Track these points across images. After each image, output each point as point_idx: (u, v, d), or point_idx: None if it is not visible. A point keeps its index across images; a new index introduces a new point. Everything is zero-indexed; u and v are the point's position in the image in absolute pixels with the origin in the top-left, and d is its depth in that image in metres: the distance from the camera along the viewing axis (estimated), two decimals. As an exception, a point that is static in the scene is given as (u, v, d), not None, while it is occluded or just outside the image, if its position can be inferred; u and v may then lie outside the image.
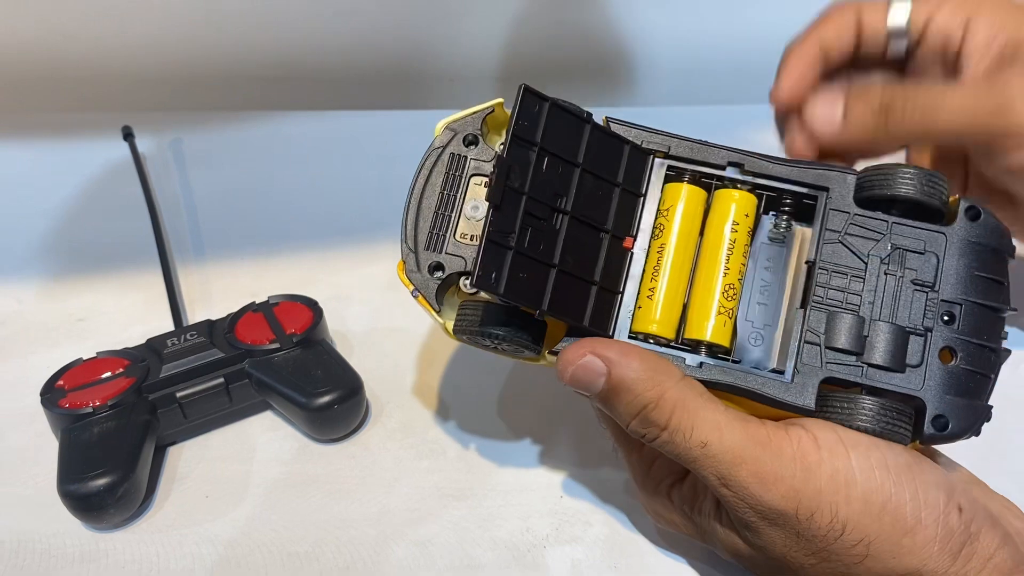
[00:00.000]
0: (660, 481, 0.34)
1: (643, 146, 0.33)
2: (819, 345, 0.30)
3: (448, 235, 0.31)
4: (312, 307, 0.43)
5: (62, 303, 0.48)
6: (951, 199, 0.31)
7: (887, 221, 0.31)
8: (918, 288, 0.31)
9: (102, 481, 0.35)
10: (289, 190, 0.57)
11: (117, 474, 0.35)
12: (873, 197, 0.31)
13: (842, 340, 0.30)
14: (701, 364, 0.31)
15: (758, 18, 0.66)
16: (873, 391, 0.30)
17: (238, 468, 0.39)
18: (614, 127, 0.33)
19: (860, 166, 0.33)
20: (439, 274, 0.31)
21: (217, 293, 0.49)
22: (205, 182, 0.58)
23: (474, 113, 0.32)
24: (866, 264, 0.31)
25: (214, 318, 0.43)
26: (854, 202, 0.32)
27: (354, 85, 0.69)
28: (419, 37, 0.68)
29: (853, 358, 0.30)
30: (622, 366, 0.29)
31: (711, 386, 0.31)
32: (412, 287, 0.31)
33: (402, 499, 0.38)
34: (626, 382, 0.29)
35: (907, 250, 0.31)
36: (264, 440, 0.40)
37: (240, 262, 0.51)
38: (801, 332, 0.31)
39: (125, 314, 0.47)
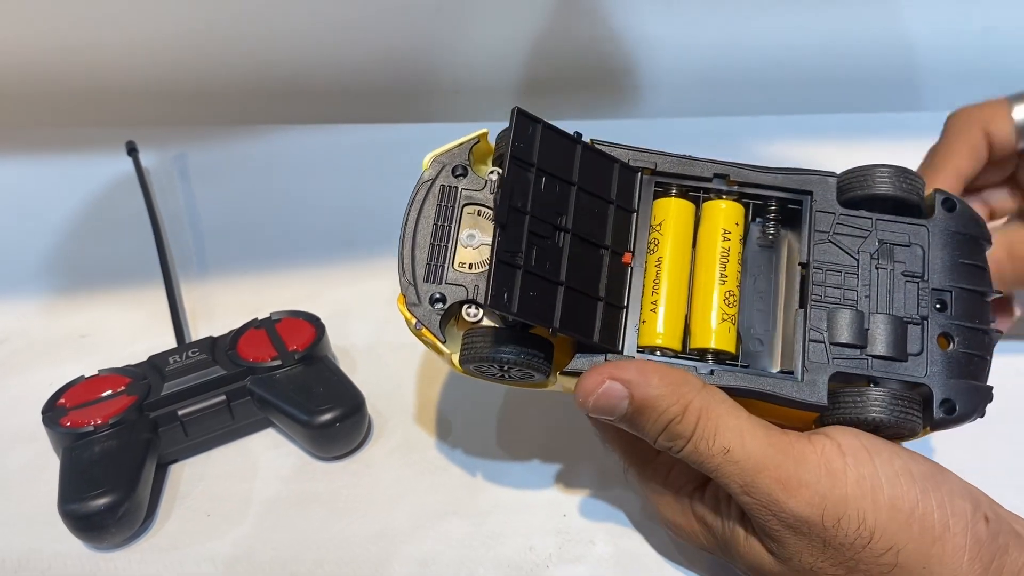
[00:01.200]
0: (679, 490, 0.33)
1: (630, 164, 0.33)
2: (823, 342, 0.31)
3: (446, 265, 0.31)
4: (314, 323, 0.43)
5: (65, 319, 0.48)
6: (927, 193, 0.33)
7: (871, 218, 0.32)
8: (908, 279, 0.32)
9: (103, 500, 0.35)
10: (292, 204, 0.57)
11: (118, 493, 0.35)
12: (855, 197, 0.33)
13: (845, 335, 0.31)
14: (712, 372, 0.31)
15: (761, 31, 0.66)
16: (880, 382, 0.30)
17: (240, 486, 0.39)
18: (600, 147, 0.33)
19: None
20: (440, 305, 0.31)
21: (220, 309, 0.49)
22: (208, 196, 0.58)
23: (460, 145, 0.33)
24: (857, 260, 0.32)
25: (216, 334, 0.43)
26: (838, 203, 0.33)
27: (357, 98, 0.69)
28: (422, 50, 0.68)
29: (857, 351, 0.31)
30: (643, 386, 0.29)
31: (726, 391, 0.31)
32: (415, 320, 0.31)
33: (404, 517, 0.37)
34: (649, 401, 0.29)
35: (894, 244, 0.32)
36: (266, 458, 0.40)
37: (243, 277, 0.51)
38: (805, 331, 0.31)
39: (128, 330, 0.47)
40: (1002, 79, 0.68)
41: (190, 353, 0.41)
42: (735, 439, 0.29)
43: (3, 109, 0.68)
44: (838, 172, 0.33)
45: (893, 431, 0.30)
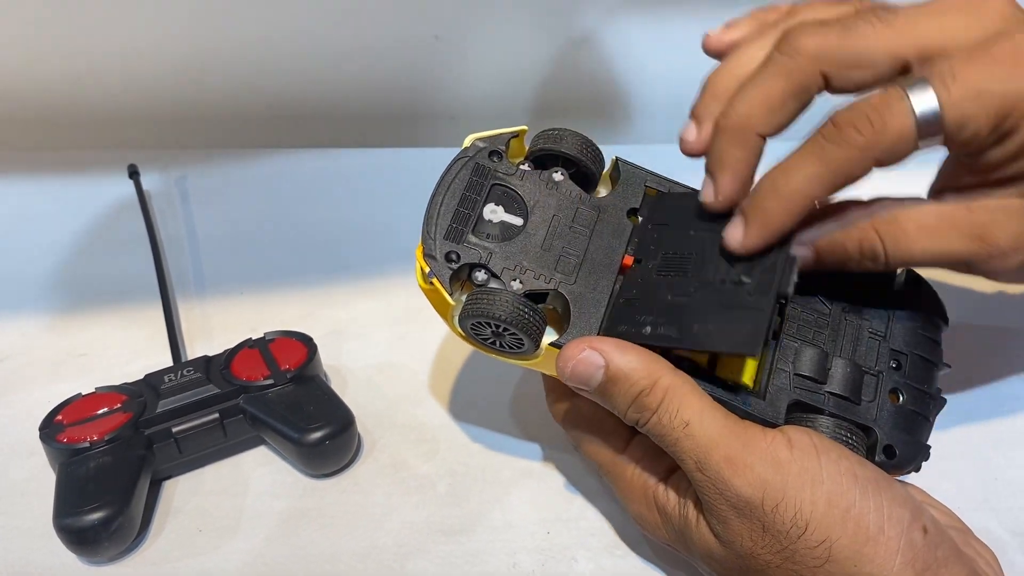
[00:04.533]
0: (644, 483, 0.34)
1: (647, 185, 0.37)
2: (788, 372, 0.33)
3: (466, 230, 0.34)
4: (307, 343, 0.44)
5: (65, 338, 0.49)
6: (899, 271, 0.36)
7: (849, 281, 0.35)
8: (872, 336, 0.35)
9: (97, 515, 0.36)
10: (289, 227, 0.58)
11: (112, 508, 0.36)
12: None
13: (807, 368, 0.33)
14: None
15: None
16: (833, 416, 0.32)
17: (231, 502, 0.40)
18: (623, 166, 0.37)
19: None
20: (454, 263, 0.33)
21: (216, 328, 0.50)
22: (207, 219, 0.59)
23: (501, 134, 0.37)
24: (830, 310, 0.35)
25: (212, 353, 0.44)
26: None
27: (354, 124, 0.71)
28: (419, 78, 0.69)
29: (817, 385, 0.33)
30: (619, 358, 0.31)
31: None
32: (428, 270, 0.33)
33: (392, 534, 0.38)
34: (623, 371, 0.31)
35: (864, 305, 0.35)
36: (257, 475, 0.41)
37: (239, 298, 0.52)
38: (773, 359, 0.33)
39: (126, 349, 0.48)
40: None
41: (185, 372, 0.42)
42: (695, 416, 0.30)
43: (10, 133, 0.69)
44: None
45: None
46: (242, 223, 0.58)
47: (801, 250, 0.33)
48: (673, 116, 0.71)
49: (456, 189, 0.35)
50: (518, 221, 0.35)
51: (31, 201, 0.61)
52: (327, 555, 0.37)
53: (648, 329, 0.32)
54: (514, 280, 0.33)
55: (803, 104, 0.33)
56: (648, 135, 0.72)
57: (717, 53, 0.37)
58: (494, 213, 0.35)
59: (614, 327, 0.33)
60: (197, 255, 0.56)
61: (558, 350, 0.33)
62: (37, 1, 0.62)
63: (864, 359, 0.34)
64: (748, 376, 0.33)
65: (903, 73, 0.31)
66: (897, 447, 0.32)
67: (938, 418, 0.34)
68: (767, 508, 0.29)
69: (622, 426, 0.36)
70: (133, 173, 0.59)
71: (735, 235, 0.32)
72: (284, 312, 0.51)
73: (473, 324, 0.33)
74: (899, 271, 0.36)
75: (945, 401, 0.35)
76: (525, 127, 0.37)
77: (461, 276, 0.34)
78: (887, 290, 0.36)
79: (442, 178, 0.35)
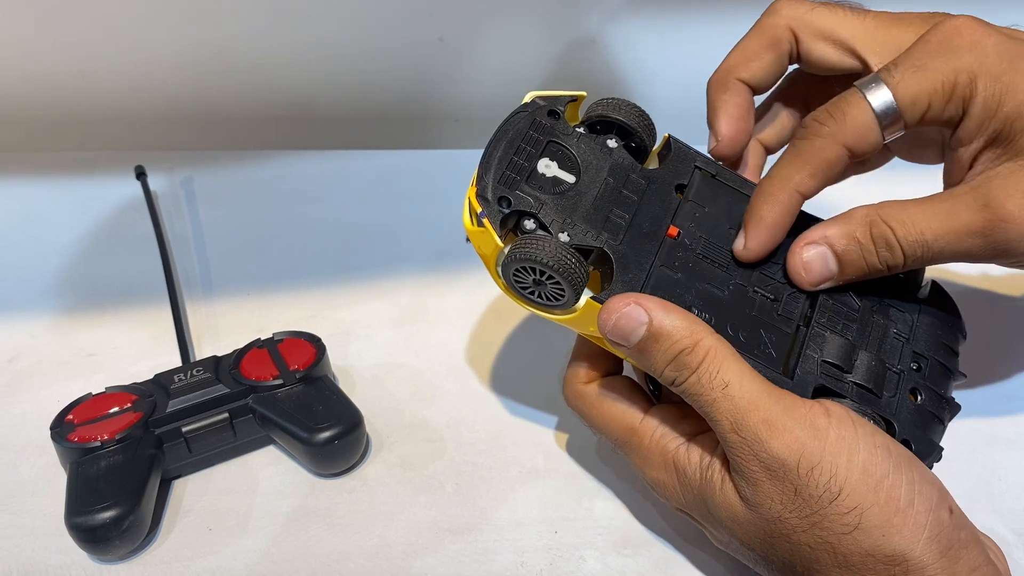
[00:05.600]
0: (664, 447, 0.35)
1: (696, 165, 0.37)
2: (816, 358, 0.34)
3: (520, 179, 0.34)
4: (315, 343, 0.44)
5: (74, 338, 0.50)
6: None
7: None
8: (896, 337, 0.35)
9: (108, 514, 0.36)
10: (296, 227, 0.58)
11: (123, 507, 0.36)
12: None
13: (835, 356, 0.34)
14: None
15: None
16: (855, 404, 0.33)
17: (241, 502, 0.40)
18: (674, 144, 0.37)
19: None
20: (505, 207, 0.33)
21: (224, 328, 0.50)
22: (215, 220, 0.59)
23: (561, 95, 0.37)
24: (859, 305, 0.36)
25: (220, 354, 0.44)
26: None
27: (360, 126, 0.71)
28: (425, 79, 0.69)
29: (842, 374, 0.34)
30: (663, 316, 0.32)
31: None
32: (480, 210, 0.33)
33: (400, 533, 0.38)
34: (666, 328, 0.31)
35: (892, 307, 0.36)
36: (266, 474, 0.41)
37: (247, 298, 0.52)
38: (804, 344, 0.34)
39: (135, 349, 0.49)
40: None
41: (194, 372, 0.42)
42: (735, 378, 0.31)
43: (18, 134, 0.69)
44: None
45: None
46: (249, 224, 0.59)
47: (813, 249, 0.34)
48: (677, 117, 0.71)
49: (514, 139, 0.35)
50: (570, 178, 0.35)
51: (39, 202, 0.61)
52: (335, 554, 0.37)
53: (684, 304, 0.33)
54: (562, 232, 0.34)
55: (778, 57, 0.38)
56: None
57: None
58: (548, 168, 0.35)
59: (657, 293, 0.33)
60: (204, 256, 0.56)
61: (598, 304, 0.33)
62: (45, 2, 0.63)
63: (888, 356, 0.35)
64: None
65: (860, 75, 0.36)
66: (913, 442, 0.33)
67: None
68: (802, 471, 0.29)
69: (638, 400, 0.36)
70: (140, 174, 0.60)
71: (738, 246, 0.35)
72: (291, 312, 0.51)
73: (516, 270, 0.33)
74: (924, 283, 0.37)
75: (960, 408, 0.35)
76: (584, 93, 0.37)
77: (509, 223, 0.34)
78: (912, 298, 0.37)
79: (501, 126, 0.35)
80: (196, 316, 0.51)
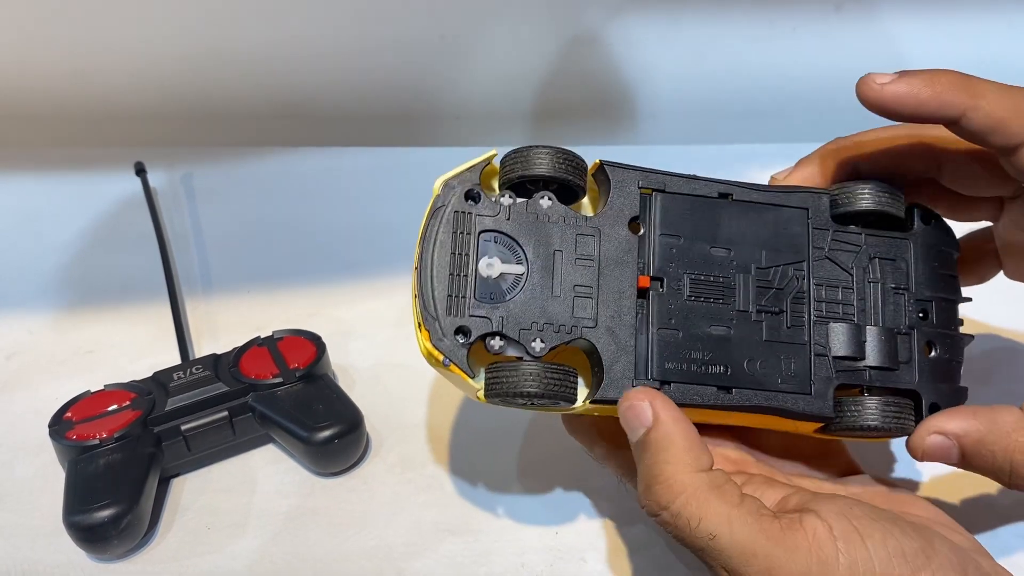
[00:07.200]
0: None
1: (640, 185, 0.34)
2: (827, 356, 0.33)
3: (468, 296, 0.31)
4: (315, 342, 0.44)
5: (72, 335, 0.49)
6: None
7: (861, 233, 0.35)
8: (896, 291, 0.34)
9: (107, 512, 0.36)
10: (296, 225, 0.58)
11: (121, 505, 0.36)
12: (845, 213, 0.34)
13: (845, 348, 0.33)
14: (731, 390, 0.32)
15: (758, 59, 0.68)
16: (877, 391, 0.33)
17: (240, 500, 0.40)
18: (610, 170, 0.33)
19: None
20: (465, 339, 0.31)
21: (224, 326, 0.50)
22: (215, 217, 0.59)
23: (471, 168, 0.33)
24: (851, 275, 0.34)
25: (220, 352, 0.44)
26: (831, 219, 0.35)
27: (360, 122, 0.71)
28: (425, 77, 0.69)
29: (856, 363, 0.33)
30: (661, 432, 0.29)
31: (743, 410, 0.32)
32: (442, 357, 0.31)
33: (400, 533, 0.38)
34: (654, 446, 0.29)
35: (883, 258, 0.34)
36: (266, 473, 0.41)
37: (247, 296, 0.52)
38: (810, 347, 0.33)
39: (134, 347, 0.48)
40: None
41: (194, 370, 0.42)
42: (723, 525, 0.28)
43: (18, 129, 0.69)
44: (832, 190, 0.35)
45: (888, 434, 0.33)
46: (249, 221, 0.58)
47: (937, 439, 0.32)
48: (678, 117, 0.71)
49: (442, 252, 0.31)
50: (519, 269, 0.32)
51: (38, 198, 0.61)
52: (335, 554, 0.37)
53: (698, 368, 0.32)
54: (534, 341, 0.31)
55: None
56: (653, 136, 0.72)
57: None
58: (491, 267, 0.32)
59: (664, 365, 0.32)
60: (204, 253, 0.56)
61: (597, 405, 0.32)
62: (44, -2, 0.62)
63: (893, 320, 0.34)
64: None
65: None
66: (940, 403, 0.33)
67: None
68: None
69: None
70: (140, 171, 0.59)
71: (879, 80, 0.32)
72: (291, 310, 0.51)
73: (503, 400, 0.31)
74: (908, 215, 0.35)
75: (972, 337, 0.35)
76: (494, 151, 0.33)
77: (474, 342, 0.31)
78: (900, 236, 0.35)
79: (423, 241, 0.32)
80: (196, 313, 0.51)
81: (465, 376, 0.31)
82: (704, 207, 0.34)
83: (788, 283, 0.34)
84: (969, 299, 0.35)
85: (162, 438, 0.39)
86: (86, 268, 0.55)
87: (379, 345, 0.48)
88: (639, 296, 0.33)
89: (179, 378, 0.41)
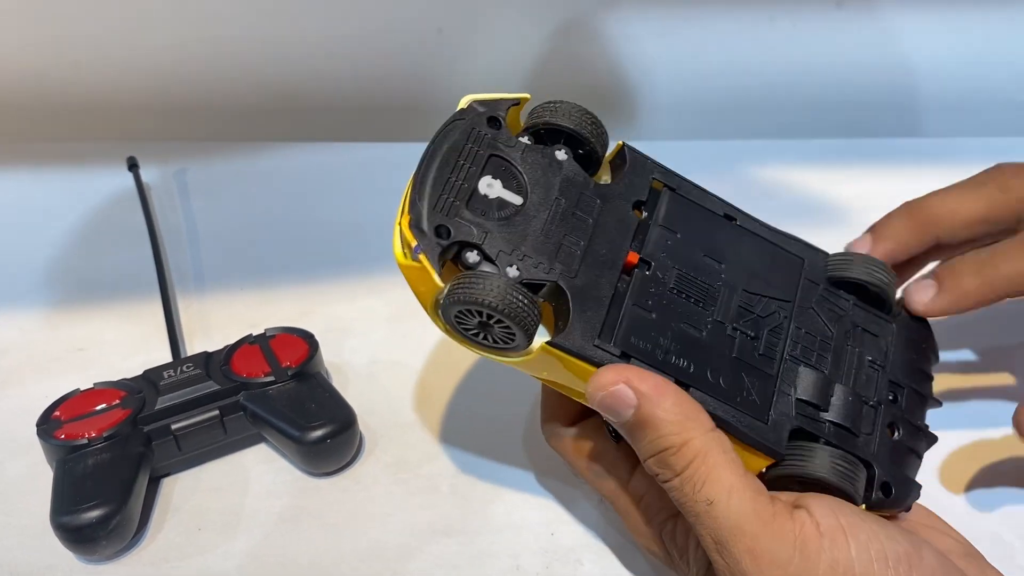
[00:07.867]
0: (650, 520, 0.33)
1: (654, 178, 0.34)
2: (790, 396, 0.32)
3: (460, 204, 0.30)
4: (308, 340, 0.43)
5: (63, 332, 0.49)
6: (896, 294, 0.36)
7: (849, 300, 0.35)
8: (872, 365, 0.34)
9: (95, 513, 0.35)
10: (290, 221, 0.58)
11: (110, 506, 0.35)
12: (837, 278, 0.35)
13: (810, 393, 0.32)
14: (689, 388, 0.31)
15: (759, 55, 0.67)
16: (832, 446, 0.31)
17: (231, 500, 0.39)
18: (629, 153, 0.34)
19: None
20: (444, 239, 0.29)
21: (216, 323, 0.49)
22: (208, 212, 0.58)
23: (502, 98, 0.33)
24: (832, 333, 0.34)
25: (212, 349, 0.43)
26: (825, 278, 0.35)
27: (356, 117, 0.70)
28: (422, 70, 0.69)
29: (818, 412, 0.32)
30: (653, 404, 0.29)
31: None
32: (415, 244, 0.29)
33: (393, 534, 0.38)
34: (654, 420, 0.29)
35: (864, 330, 0.35)
36: (257, 473, 0.40)
37: (239, 293, 0.51)
38: (777, 379, 0.32)
39: (125, 344, 0.48)
40: (1002, 106, 0.69)
41: (185, 368, 0.41)
42: (722, 493, 0.28)
43: (7, 123, 0.68)
44: (830, 252, 0.36)
45: (834, 492, 0.31)
46: (243, 217, 0.58)
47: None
48: (679, 112, 0.71)
49: (450, 155, 0.31)
50: (517, 200, 0.31)
51: (28, 193, 0.61)
52: (327, 555, 0.37)
53: (662, 355, 0.31)
54: (510, 266, 0.30)
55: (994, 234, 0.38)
56: (654, 130, 0.71)
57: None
58: (491, 187, 0.31)
59: (629, 338, 0.30)
60: (197, 249, 0.55)
61: (552, 350, 0.30)
62: (36, -10, 0.62)
63: (864, 388, 0.33)
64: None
65: None
66: (893, 485, 0.31)
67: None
68: None
69: (625, 456, 0.34)
70: (132, 165, 0.59)
71: (922, 298, 0.36)
72: (284, 308, 0.50)
73: (458, 312, 0.29)
74: (896, 303, 0.36)
75: (936, 438, 0.34)
76: (528, 95, 0.33)
77: (449, 254, 0.30)
78: (886, 318, 0.35)
79: (434, 140, 0.31)
80: (188, 311, 0.50)
81: (432, 271, 0.29)
82: (708, 219, 0.35)
83: (770, 315, 0.33)
84: (940, 404, 0.35)
85: (152, 437, 0.39)
86: (77, 264, 0.54)
87: (374, 343, 0.48)
88: (624, 273, 0.32)
89: (169, 376, 0.41)
